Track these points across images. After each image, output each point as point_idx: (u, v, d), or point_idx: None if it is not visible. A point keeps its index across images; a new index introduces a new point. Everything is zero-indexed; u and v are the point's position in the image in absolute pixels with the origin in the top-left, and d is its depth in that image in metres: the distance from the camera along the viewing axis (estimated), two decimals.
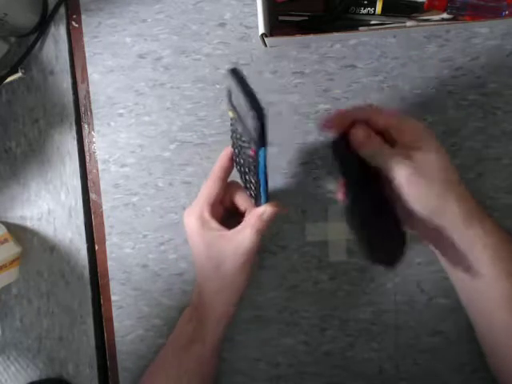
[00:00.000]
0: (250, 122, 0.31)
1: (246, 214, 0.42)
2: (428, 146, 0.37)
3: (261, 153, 0.33)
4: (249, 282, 0.44)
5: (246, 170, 0.38)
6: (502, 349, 0.39)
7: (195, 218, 0.41)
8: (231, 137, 0.39)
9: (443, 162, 0.37)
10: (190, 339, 0.43)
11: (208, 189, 0.41)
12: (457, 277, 0.42)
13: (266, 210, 0.39)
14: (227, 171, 0.42)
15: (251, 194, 0.41)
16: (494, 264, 0.37)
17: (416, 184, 0.36)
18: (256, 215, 0.39)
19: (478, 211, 0.38)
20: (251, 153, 0.34)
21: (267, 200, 0.39)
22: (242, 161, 0.38)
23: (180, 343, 0.44)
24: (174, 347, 0.45)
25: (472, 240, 0.37)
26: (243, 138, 0.35)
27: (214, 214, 0.41)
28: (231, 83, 0.33)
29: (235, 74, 0.32)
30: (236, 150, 0.39)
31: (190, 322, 0.44)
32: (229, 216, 0.44)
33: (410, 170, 0.36)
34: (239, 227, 0.40)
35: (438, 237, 0.38)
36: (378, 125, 0.38)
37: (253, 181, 0.37)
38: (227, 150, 0.41)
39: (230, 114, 0.36)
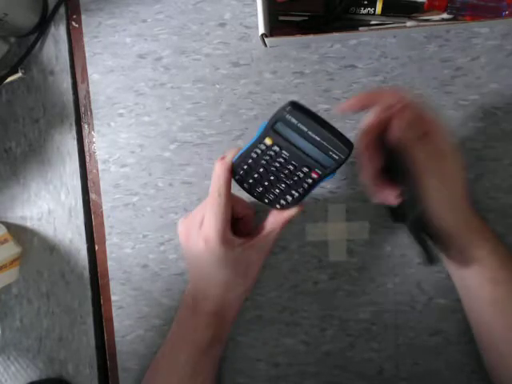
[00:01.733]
0: (334, 153, 0.34)
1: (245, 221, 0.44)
2: (455, 161, 0.38)
3: (329, 177, 0.37)
4: None
5: (277, 183, 0.39)
6: (499, 346, 0.41)
7: (220, 243, 0.39)
8: (251, 155, 0.38)
9: (463, 180, 0.39)
10: (210, 344, 0.43)
11: (223, 209, 0.39)
12: (454, 274, 0.44)
13: (292, 212, 0.41)
14: (230, 185, 0.40)
15: (268, 200, 0.41)
16: (483, 272, 0.40)
17: (438, 197, 0.38)
18: (283, 218, 0.41)
19: (481, 223, 0.41)
20: (314, 175, 0.37)
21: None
22: (265, 174, 0.39)
23: (199, 348, 0.43)
24: (189, 351, 0.44)
25: (470, 245, 0.40)
26: (292, 161, 0.37)
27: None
28: (289, 115, 0.34)
29: (298, 108, 0.34)
30: (246, 166, 0.39)
31: (209, 328, 0.43)
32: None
33: (436, 185, 0.37)
34: (262, 234, 0.42)
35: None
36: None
37: (292, 191, 0.39)
38: (226, 165, 0.39)
39: (268, 142, 0.36)
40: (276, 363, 0.49)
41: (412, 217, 0.39)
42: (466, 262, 0.40)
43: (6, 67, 0.49)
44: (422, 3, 0.44)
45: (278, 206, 0.41)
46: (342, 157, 0.34)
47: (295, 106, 0.34)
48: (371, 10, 0.44)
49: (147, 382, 0.46)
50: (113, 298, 0.50)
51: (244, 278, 0.43)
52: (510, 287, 0.39)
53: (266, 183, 0.39)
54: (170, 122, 0.49)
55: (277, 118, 0.35)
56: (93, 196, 0.51)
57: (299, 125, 0.34)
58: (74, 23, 0.50)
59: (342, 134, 0.34)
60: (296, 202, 0.40)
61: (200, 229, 0.40)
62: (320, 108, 0.47)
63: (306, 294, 0.48)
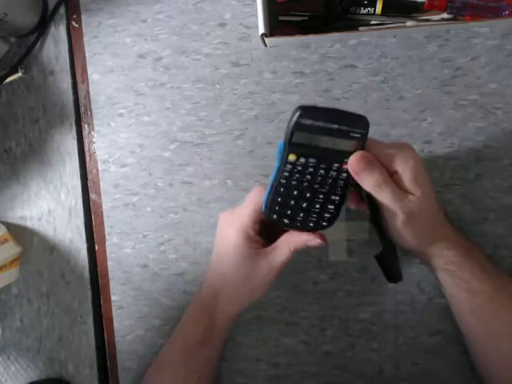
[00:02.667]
0: (355, 132, 0.34)
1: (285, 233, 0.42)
2: (423, 192, 0.37)
3: None
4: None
5: (315, 197, 0.38)
6: (483, 351, 0.42)
7: (239, 230, 0.40)
8: (281, 182, 0.37)
9: (433, 208, 0.39)
10: (200, 341, 0.43)
11: (257, 206, 0.40)
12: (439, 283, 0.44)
13: (310, 238, 0.39)
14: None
15: (312, 222, 0.39)
16: (457, 283, 0.41)
17: (408, 229, 0.38)
18: (301, 238, 0.39)
19: (462, 246, 0.41)
20: (345, 166, 0.36)
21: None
22: (300, 195, 0.38)
23: (189, 344, 0.44)
24: (181, 347, 0.44)
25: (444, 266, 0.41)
26: (321, 165, 0.36)
27: (256, 229, 0.41)
28: (303, 119, 0.33)
29: (308, 108, 0.33)
30: (280, 198, 0.38)
31: (199, 324, 0.43)
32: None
33: (404, 218, 0.37)
34: (277, 244, 0.41)
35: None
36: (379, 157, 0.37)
37: (332, 197, 0.38)
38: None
39: (292, 158, 0.35)
40: (276, 363, 0.49)
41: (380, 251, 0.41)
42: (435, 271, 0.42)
43: (5, 67, 0.49)
44: (422, 3, 0.44)
45: (324, 223, 0.39)
46: (364, 131, 0.34)
47: (304, 108, 0.33)
48: (371, 10, 0.44)
49: (147, 381, 0.47)
50: (113, 298, 0.50)
51: (243, 283, 0.42)
52: (486, 299, 0.40)
53: (305, 204, 0.38)
54: (170, 122, 0.49)
55: (292, 129, 0.34)
56: (93, 196, 0.51)
57: (315, 123, 0.34)
58: (74, 23, 0.50)
59: (353, 113, 0.34)
60: (339, 207, 0.38)
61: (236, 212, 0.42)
62: None
63: (305, 294, 0.48)
